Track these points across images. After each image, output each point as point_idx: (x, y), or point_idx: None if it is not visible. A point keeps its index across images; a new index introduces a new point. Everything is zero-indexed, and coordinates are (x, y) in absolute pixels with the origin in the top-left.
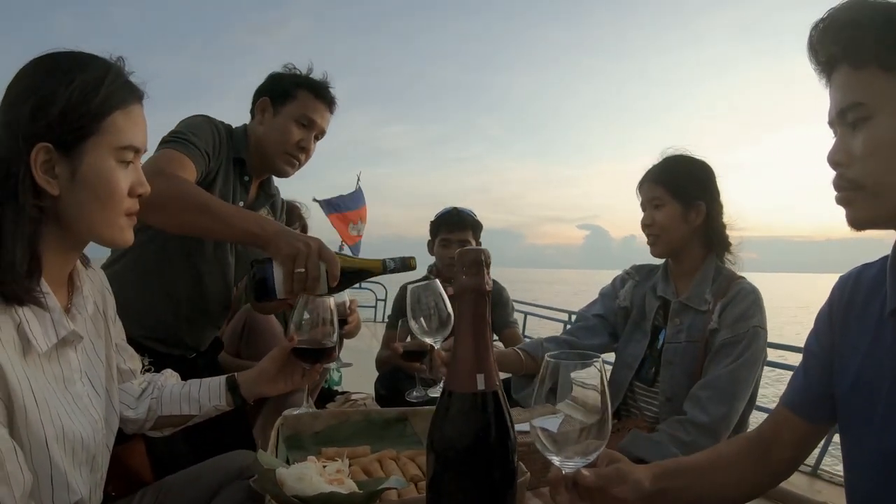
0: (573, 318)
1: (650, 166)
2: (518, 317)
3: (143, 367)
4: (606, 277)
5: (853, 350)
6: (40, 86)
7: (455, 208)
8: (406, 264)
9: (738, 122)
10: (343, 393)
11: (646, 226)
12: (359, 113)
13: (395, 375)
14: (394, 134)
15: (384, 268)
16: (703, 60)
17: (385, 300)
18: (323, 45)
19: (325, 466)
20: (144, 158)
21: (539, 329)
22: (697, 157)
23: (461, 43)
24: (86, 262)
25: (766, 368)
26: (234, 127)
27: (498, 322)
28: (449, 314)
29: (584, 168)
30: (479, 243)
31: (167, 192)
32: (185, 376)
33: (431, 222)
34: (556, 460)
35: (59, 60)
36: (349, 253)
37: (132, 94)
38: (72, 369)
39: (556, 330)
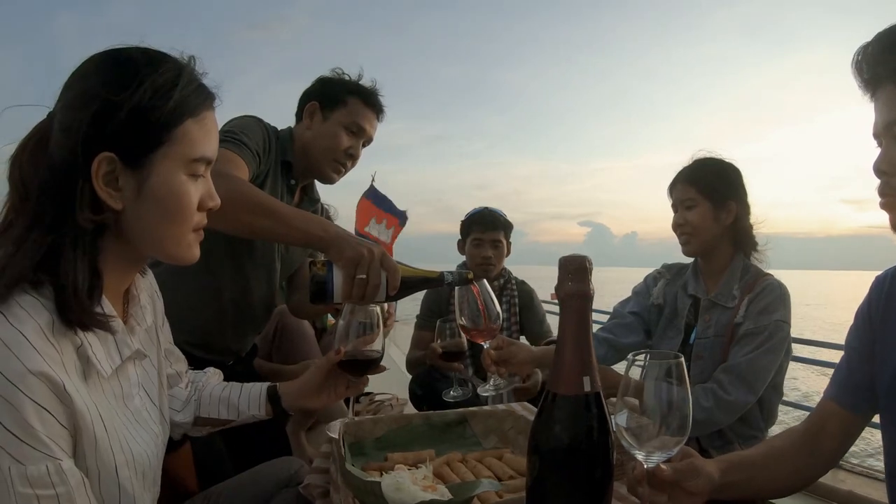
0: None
1: (681, 168)
2: None
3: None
4: (609, 274)
5: (893, 345)
6: (104, 87)
7: (487, 208)
8: (463, 279)
9: (739, 119)
10: (367, 394)
11: (678, 225)
12: None
13: (431, 375)
14: (395, 130)
15: (443, 280)
16: (707, 57)
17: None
18: (323, 42)
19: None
20: None
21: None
22: (726, 159)
23: (463, 39)
24: (143, 269)
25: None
26: (279, 129)
27: (533, 332)
28: (498, 313)
29: (586, 165)
30: (509, 242)
31: (227, 194)
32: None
33: (463, 221)
34: (639, 455)
35: (126, 59)
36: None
37: (205, 100)
38: (130, 384)
39: None
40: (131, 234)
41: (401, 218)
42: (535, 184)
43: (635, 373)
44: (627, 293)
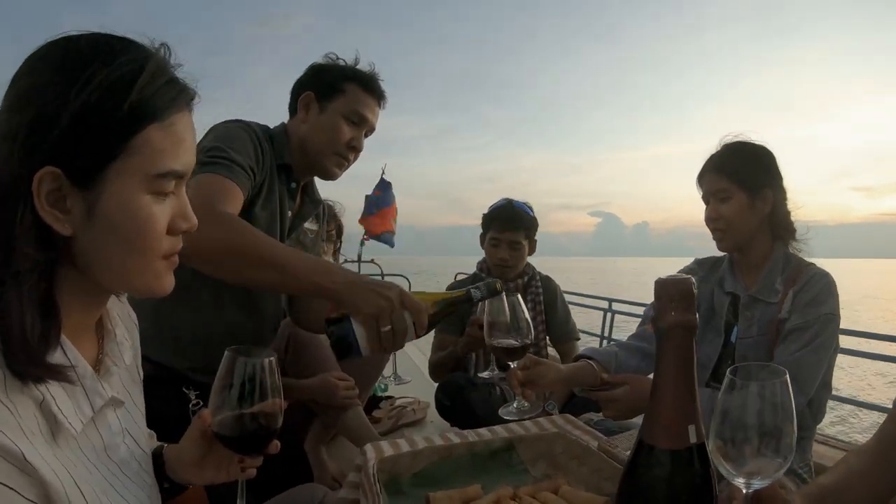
0: (613, 305)
1: (709, 155)
2: None
3: (192, 402)
4: (622, 265)
5: None
6: (46, 86)
7: (510, 202)
8: (492, 289)
9: (747, 107)
10: (388, 398)
11: (711, 220)
12: None
13: (457, 383)
14: (402, 124)
15: (471, 299)
16: (714, 45)
17: (408, 291)
18: (328, 37)
19: None
20: None
21: (580, 317)
22: (758, 142)
23: (468, 32)
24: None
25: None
26: (271, 128)
27: (557, 332)
28: (529, 329)
29: (595, 155)
30: (533, 242)
31: (223, 245)
32: None
33: (484, 215)
34: (738, 482)
35: (73, 49)
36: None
37: (176, 100)
38: (112, 433)
39: (596, 319)
40: (86, 265)
41: (390, 197)
42: (543, 175)
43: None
44: (643, 283)
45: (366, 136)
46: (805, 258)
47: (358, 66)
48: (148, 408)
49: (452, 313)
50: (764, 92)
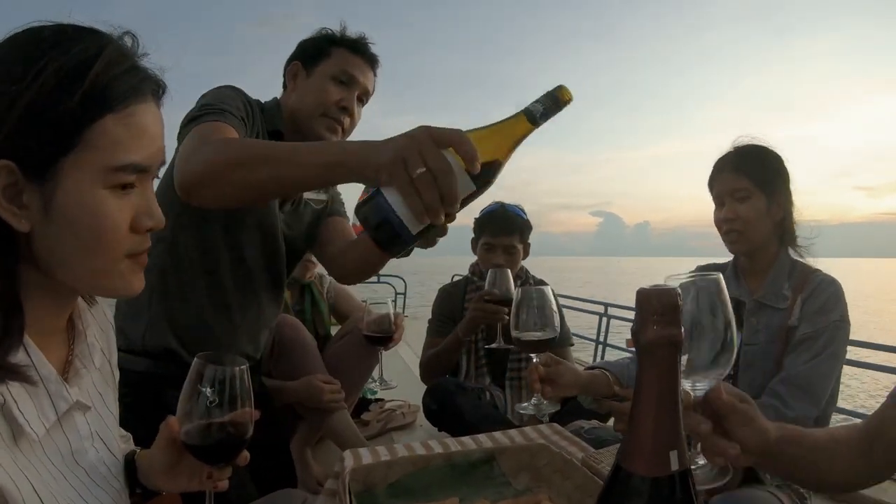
0: (609, 310)
1: (722, 155)
2: None
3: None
4: (626, 265)
5: None
6: (3, 77)
7: (502, 206)
8: (555, 99)
9: (748, 106)
10: (378, 401)
11: (727, 220)
12: (368, 102)
13: (446, 388)
14: (403, 123)
15: (533, 119)
16: (715, 44)
17: (405, 294)
18: None
19: None
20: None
21: (574, 321)
22: (771, 146)
23: (469, 31)
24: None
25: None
26: (264, 102)
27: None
28: (558, 321)
29: (596, 154)
30: (527, 245)
31: (207, 163)
32: None
33: (476, 220)
34: (686, 384)
35: (32, 38)
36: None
37: (137, 89)
38: (81, 437)
39: (591, 323)
40: (47, 264)
41: None
42: (544, 174)
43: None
44: (644, 284)
45: (361, 102)
46: (808, 261)
47: (346, 34)
48: (164, 414)
49: (515, 140)
50: (765, 91)
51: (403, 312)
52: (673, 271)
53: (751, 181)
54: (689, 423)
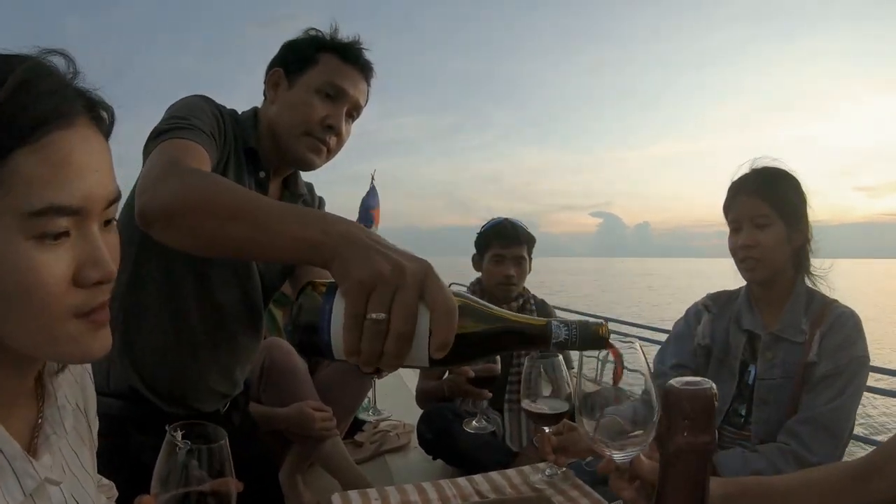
0: (608, 324)
1: (737, 177)
2: None
3: (178, 448)
4: (626, 266)
5: None
6: None
7: (508, 220)
8: (592, 335)
9: (749, 106)
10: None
11: (746, 247)
12: (369, 104)
13: (442, 415)
14: (405, 125)
15: (548, 337)
16: (717, 45)
17: None
18: None
19: None
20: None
21: None
22: (791, 171)
23: (472, 32)
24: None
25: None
26: (240, 112)
27: None
28: (569, 394)
29: (597, 155)
30: (531, 259)
31: (181, 195)
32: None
33: (479, 234)
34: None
35: None
36: None
37: (58, 112)
38: None
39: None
40: None
41: (372, 201)
42: (545, 175)
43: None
44: (647, 285)
45: (352, 117)
46: (825, 291)
47: (337, 37)
48: (134, 458)
49: (507, 350)
50: (765, 91)
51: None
52: (673, 271)
53: (772, 207)
54: (614, 485)
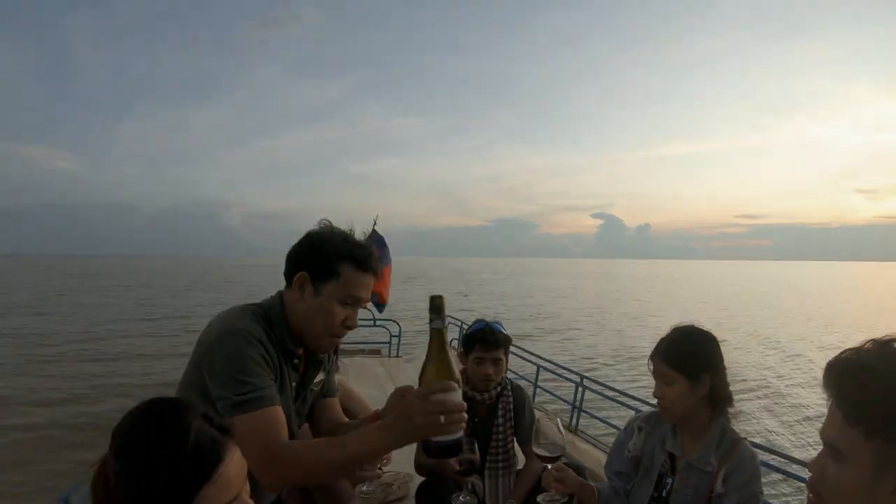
0: (584, 380)
1: (661, 338)
2: (531, 369)
3: None
4: (625, 266)
5: None
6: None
7: (488, 326)
8: (434, 306)
9: (751, 108)
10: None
11: (658, 398)
12: (370, 104)
13: (441, 482)
14: (406, 125)
15: (439, 326)
16: (719, 46)
17: (399, 336)
18: (335, 37)
19: None
20: None
21: (551, 384)
22: (704, 329)
23: (474, 33)
24: None
25: None
26: (265, 306)
27: (523, 435)
28: (565, 444)
29: (598, 156)
30: (507, 357)
31: (302, 478)
32: None
33: (465, 336)
34: None
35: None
36: (376, 312)
37: (215, 449)
38: None
39: (568, 388)
40: None
41: (386, 258)
42: (547, 176)
43: None
44: (646, 286)
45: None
46: (734, 425)
47: (351, 240)
48: None
49: (447, 357)
50: (767, 92)
51: (398, 353)
52: (673, 272)
53: (673, 368)
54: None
